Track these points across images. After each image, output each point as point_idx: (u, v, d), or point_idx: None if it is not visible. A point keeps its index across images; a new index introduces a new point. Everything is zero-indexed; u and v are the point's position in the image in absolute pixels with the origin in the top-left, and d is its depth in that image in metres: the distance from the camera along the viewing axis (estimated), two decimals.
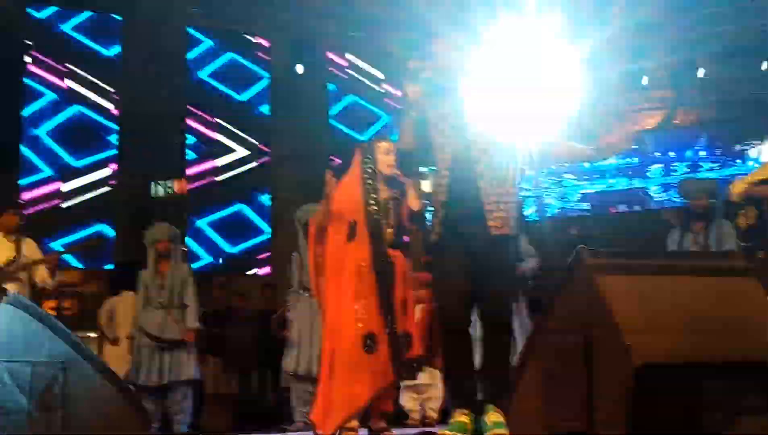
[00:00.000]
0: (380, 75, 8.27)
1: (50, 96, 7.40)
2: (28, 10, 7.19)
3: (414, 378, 3.14)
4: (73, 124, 7.49)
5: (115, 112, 7.57)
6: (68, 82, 7.47)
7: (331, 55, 8.16)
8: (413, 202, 2.79)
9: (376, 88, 8.28)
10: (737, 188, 3.29)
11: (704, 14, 6.96)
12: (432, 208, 2.48)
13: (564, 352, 1.78)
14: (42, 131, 7.35)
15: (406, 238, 3.07)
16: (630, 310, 1.72)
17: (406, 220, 2.82)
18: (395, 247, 2.76)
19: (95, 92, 7.56)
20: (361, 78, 8.34)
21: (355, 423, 2.71)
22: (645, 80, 7.55)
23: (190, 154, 7.81)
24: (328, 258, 2.77)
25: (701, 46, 7.32)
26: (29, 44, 7.30)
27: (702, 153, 8.02)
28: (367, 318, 2.58)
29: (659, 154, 8.25)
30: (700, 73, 7.49)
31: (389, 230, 2.74)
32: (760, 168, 3.62)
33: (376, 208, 2.69)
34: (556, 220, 7.98)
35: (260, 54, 8.11)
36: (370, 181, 2.71)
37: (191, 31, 7.85)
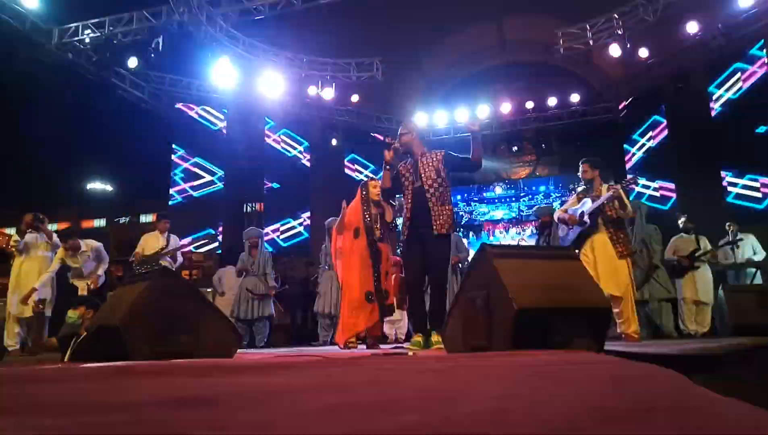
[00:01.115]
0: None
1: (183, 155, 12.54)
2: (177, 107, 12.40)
3: (391, 315, 4.51)
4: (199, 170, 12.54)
5: (220, 167, 12.47)
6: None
7: None
8: (389, 216, 4.18)
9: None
10: (556, 214, 4.75)
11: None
12: (402, 219, 3.82)
13: (475, 301, 2.44)
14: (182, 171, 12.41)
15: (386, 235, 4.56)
16: (512, 278, 2.35)
17: (386, 227, 4.19)
18: (381, 241, 4.16)
19: (212, 153, 12.52)
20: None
21: (355, 340, 4.17)
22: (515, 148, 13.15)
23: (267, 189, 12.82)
24: (342, 248, 4.19)
25: (544, 133, 12.60)
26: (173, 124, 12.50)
27: (551, 187, 13.03)
28: (367, 282, 3.92)
29: (526, 188, 13.26)
30: (544, 146, 12.86)
31: (377, 232, 4.11)
32: (569, 201, 4.87)
33: (369, 219, 4.06)
34: (470, 228, 13.08)
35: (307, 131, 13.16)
36: (365, 204, 4.11)
37: (266, 119, 12.84)
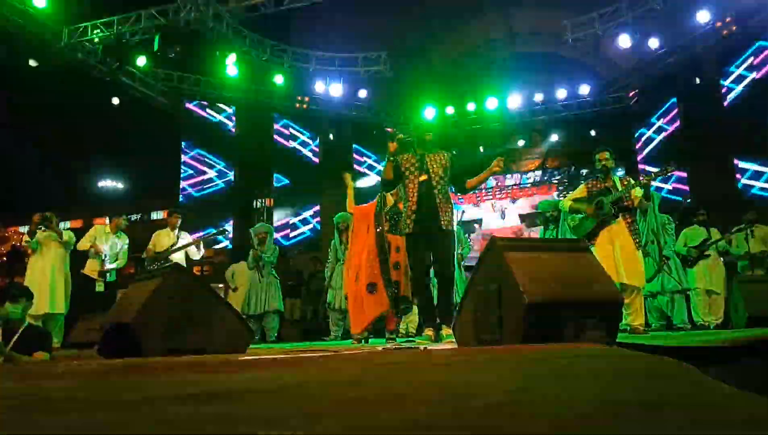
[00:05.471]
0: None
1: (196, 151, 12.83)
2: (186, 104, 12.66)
3: (410, 311, 4.67)
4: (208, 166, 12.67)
5: (229, 163, 12.71)
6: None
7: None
8: (389, 201, 4.29)
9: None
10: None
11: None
12: (405, 212, 3.77)
13: (486, 294, 2.44)
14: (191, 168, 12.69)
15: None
16: (523, 271, 2.32)
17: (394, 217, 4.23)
18: (390, 232, 4.21)
19: (221, 150, 12.83)
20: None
21: (366, 334, 4.35)
22: (521, 143, 13.21)
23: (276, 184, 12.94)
24: (354, 242, 4.37)
25: (553, 124, 12.44)
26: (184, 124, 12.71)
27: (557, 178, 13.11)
28: (371, 274, 4.00)
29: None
30: (554, 138, 12.68)
31: (386, 225, 4.14)
32: (576, 191, 4.81)
33: (380, 213, 4.11)
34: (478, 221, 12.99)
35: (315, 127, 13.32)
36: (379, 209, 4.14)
37: (275, 115, 13.01)
